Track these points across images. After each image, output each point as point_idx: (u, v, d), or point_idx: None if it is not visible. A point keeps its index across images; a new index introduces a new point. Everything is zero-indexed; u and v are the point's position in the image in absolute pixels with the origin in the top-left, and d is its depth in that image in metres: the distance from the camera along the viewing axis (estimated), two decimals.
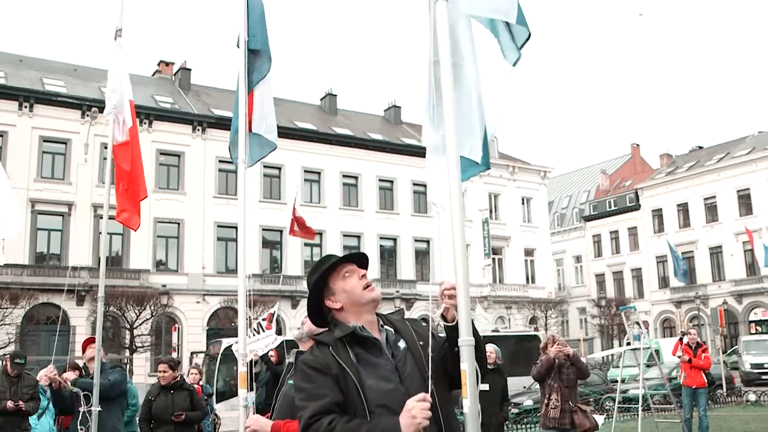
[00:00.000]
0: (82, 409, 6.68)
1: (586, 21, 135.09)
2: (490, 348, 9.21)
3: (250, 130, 5.75)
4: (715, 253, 52.31)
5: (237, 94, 5.79)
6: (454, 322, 2.71)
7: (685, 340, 14.45)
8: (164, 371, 8.07)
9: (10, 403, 8.28)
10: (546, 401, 8.74)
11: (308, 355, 2.79)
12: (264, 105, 5.92)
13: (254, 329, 11.84)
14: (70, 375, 10.18)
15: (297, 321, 36.92)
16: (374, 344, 2.78)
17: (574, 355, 8.89)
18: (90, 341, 7.52)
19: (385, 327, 2.88)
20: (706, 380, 13.74)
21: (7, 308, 30.17)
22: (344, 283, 2.87)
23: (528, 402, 19.81)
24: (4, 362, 8.94)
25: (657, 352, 23.80)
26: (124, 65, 7.65)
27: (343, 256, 2.94)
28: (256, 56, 5.89)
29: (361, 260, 2.99)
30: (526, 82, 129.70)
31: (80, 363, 8.43)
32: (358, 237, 42.39)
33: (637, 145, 68.65)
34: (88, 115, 34.37)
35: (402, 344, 2.81)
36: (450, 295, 2.71)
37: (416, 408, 2.46)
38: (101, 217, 32.91)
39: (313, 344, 2.87)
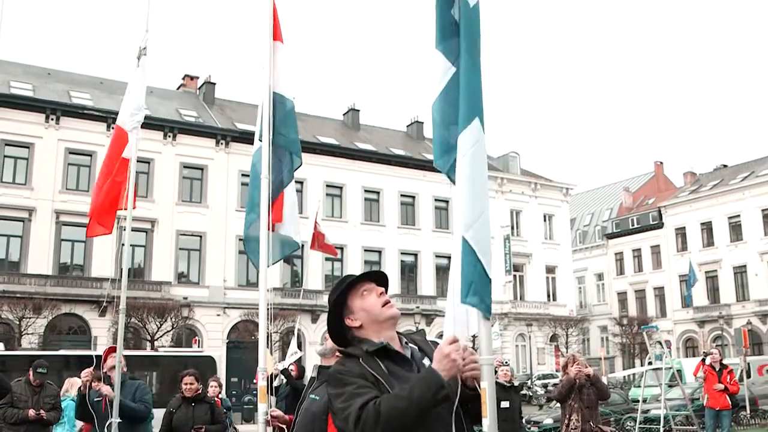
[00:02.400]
0: (114, 421, 6.70)
1: (611, 38, 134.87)
2: (506, 368, 9.24)
3: (272, 229, 5.52)
4: (740, 272, 51.72)
5: (252, 191, 5.70)
6: (475, 392, 2.63)
7: (708, 360, 14.30)
8: (191, 383, 8.07)
9: (32, 412, 8.35)
10: (566, 422, 8.67)
11: (340, 366, 2.79)
12: (293, 208, 5.77)
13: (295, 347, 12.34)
14: (77, 381, 10.30)
15: (317, 335, 36.93)
16: (403, 359, 2.80)
17: (595, 375, 8.83)
18: (111, 350, 7.58)
19: (409, 345, 2.90)
20: (729, 402, 13.57)
21: (30, 318, 30.47)
22: (363, 302, 2.88)
23: (548, 420, 19.66)
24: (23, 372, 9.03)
25: (679, 372, 23.52)
26: (145, 83, 7.75)
27: (361, 274, 2.96)
28: (284, 152, 5.72)
29: (380, 278, 3.00)
30: (549, 98, 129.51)
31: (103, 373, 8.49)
32: (379, 252, 42.38)
33: (661, 162, 68.20)
34: (113, 128, 34.72)
35: (427, 362, 2.81)
36: (473, 368, 2.62)
37: (453, 350, 2.53)
38: (124, 229, 33.13)
39: (342, 357, 2.88)
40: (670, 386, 20.78)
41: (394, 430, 2.50)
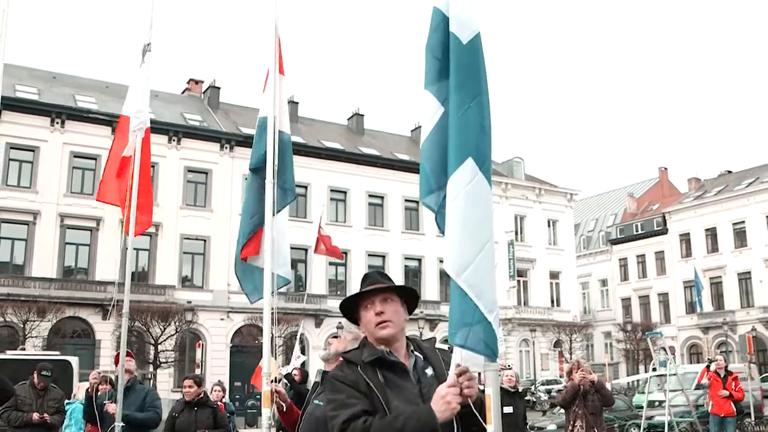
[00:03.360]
0: (117, 425, 6.70)
1: (616, 44, 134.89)
2: (510, 372, 9.21)
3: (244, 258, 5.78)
4: (744, 278, 51.61)
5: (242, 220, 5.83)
6: (468, 408, 2.64)
7: (713, 367, 14.26)
8: (189, 387, 8.08)
9: (35, 416, 8.35)
10: (571, 428, 8.66)
11: (338, 371, 2.89)
12: (281, 241, 5.75)
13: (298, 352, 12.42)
14: (84, 385, 10.33)
15: (321, 339, 36.91)
16: (401, 369, 2.85)
17: (599, 381, 8.81)
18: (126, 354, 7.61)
19: (415, 353, 2.96)
20: (734, 409, 13.52)
21: (34, 321, 30.51)
22: (365, 315, 2.99)
23: (552, 426, 19.61)
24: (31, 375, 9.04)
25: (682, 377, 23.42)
26: (149, 81, 7.77)
27: (364, 291, 3.02)
28: (278, 190, 5.78)
29: (384, 279, 3.10)
30: (554, 104, 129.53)
31: (111, 376, 8.51)
32: (383, 257, 42.37)
33: (665, 168, 68.14)
34: None
35: (429, 371, 2.88)
36: (469, 386, 2.62)
37: (449, 394, 2.56)
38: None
39: (342, 362, 2.95)
40: (674, 392, 20.68)
41: None
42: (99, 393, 7.44)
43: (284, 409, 4.94)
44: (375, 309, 2.94)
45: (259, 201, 5.72)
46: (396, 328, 2.92)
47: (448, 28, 2.93)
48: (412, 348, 2.98)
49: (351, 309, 3.06)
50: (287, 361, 17.64)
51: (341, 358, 2.99)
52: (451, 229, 2.70)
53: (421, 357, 2.94)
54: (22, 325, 30.31)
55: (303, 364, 13.89)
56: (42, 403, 8.64)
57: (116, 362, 7.43)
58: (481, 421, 2.65)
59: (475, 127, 2.81)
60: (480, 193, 2.73)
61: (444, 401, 2.56)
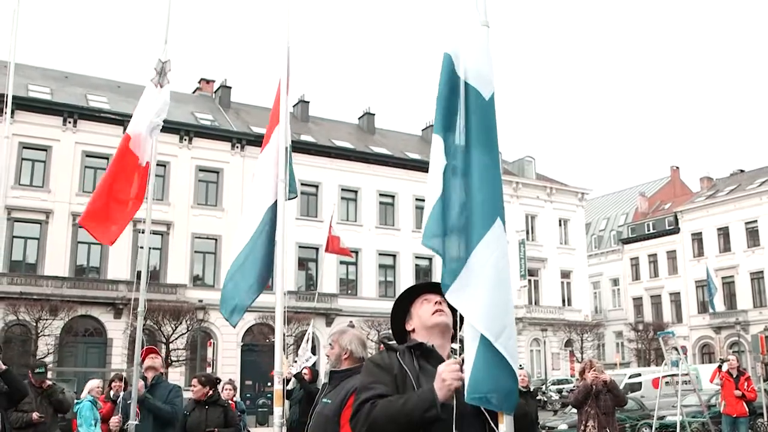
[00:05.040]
0: (131, 423, 6.71)
1: (628, 42, 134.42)
2: (522, 372, 9.19)
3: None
4: (757, 278, 51.34)
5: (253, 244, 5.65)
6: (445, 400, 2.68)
7: (725, 367, 14.18)
8: (194, 386, 8.10)
9: (35, 415, 8.34)
10: (583, 428, 8.62)
11: (377, 355, 3.08)
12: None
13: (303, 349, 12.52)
14: (93, 384, 10.33)
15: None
16: (438, 359, 2.94)
17: (612, 381, 8.75)
18: (149, 351, 7.61)
19: (454, 356, 3.03)
20: (747, 409, 13.45)
21: (47, 320, 30.67)
22: (419, 308, 3.13)
23: (563, 426, 19.58)
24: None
25: (696, 378, 23.34)
26: (167, 100, 7.64)
27: (425, 284, 3.20)
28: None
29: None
30: (565, 103, 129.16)
31: (124, 374, 8.52)
32: (394, 256, 42.38)
33: (677, 167, 67.85)
34: None
35: None
36: (457, 377, 2.68)
37: (446, 372, 2.67)
38: (141, 232, 33.39)
39: (384, 348, 3.10)
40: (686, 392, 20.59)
41: None
42: (121, 393, 7.41)
43: None
44: (435, 300, 3.08)
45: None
46: (449, 320, 3.04)
47: (458, 83, 2.92)
48: (453, 351, 3.10)
49: (403, 306, 3.20)
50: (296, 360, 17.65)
51: (384, 345, 3.13)
52: (484, 292, 2.67)
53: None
54: (34, 324, 30.49)
55: (314, 364, 13.92)
56: (41, 401, 8.63)
57: (143, 359, 7.44)
58: (492, 424, 2.69)
59: (499, 185, 2.82)
60: (505, 257, 2.75)
61: (441, 379, 2.66)
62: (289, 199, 5.67)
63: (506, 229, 2.78)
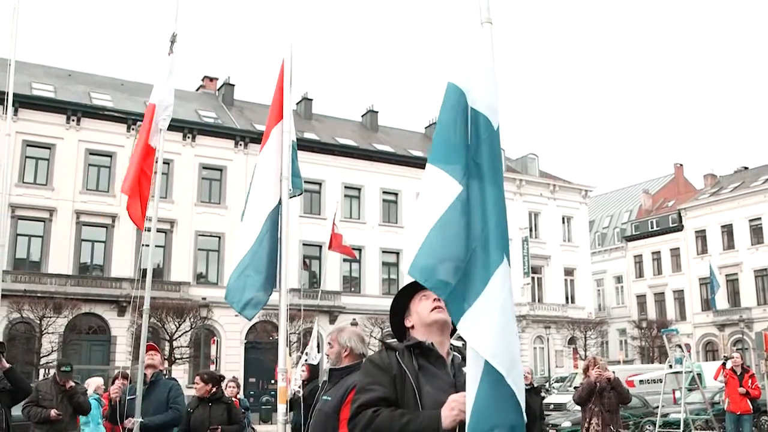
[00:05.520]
0: (136, 420, 6.71)
1: (631, 39, 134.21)
2: (526, 369, 9.20)
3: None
4: (761, 275, 51.24)
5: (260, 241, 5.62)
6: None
7: (729, 364, 14.17)
8: (196, 383, 8.11)
9: (53, 412, 8.38)
10: (586, 425, 8.59)
11: (375, 355, 3.06)
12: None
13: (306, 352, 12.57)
14: (97, 381, 10.39)
15: None
16: (438, 358, 2.95)
17: (615, 379, 8.71)
18: (148, 348, 7.63)
19: (454, 353, 3.05)
20: (751, 406, 13.45)
21: (50, 317, 30.74)
22: (418, 305, 3.11)
23: (566, 423, 19.57)
24: (47, 371, 9.12)
25: (699, 375, 23.34)
26: (174, 73, 7.81)
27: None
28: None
29: None
30: (568, 100, 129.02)
31: (127, 371, 8.53)
32: (398, 254, 42.37)
33: (681, 164, 67.69)
34: (133, 129, 34.94)
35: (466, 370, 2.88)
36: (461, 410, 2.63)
37: (456, 402, 2.63)
38: (145, 230, 33.35)
39: (383, 347, 3.09)
40: (690, 390, 20.61)
41: None
42: (118, 391, 7.43)
43: None
44: (433, 297, 3.04)
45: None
46: (447, 317, 2.97)
47: (466, 106, 2.81)
48: (452, 348, 3.07)
49: (402, 302, 3.18)
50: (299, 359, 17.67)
51: (383, 345, 3.11)
52: (499, 329, 2.56)
53: (460, 357, 3.02)
54: (38, 321, 30.55)
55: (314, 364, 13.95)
56: (63, 399, 8.67)
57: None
58: None
59: (506, 220, 2.71)
60: (511, 295, 2.66)
61: (449, 407, 2.64)
62: (295, 195, 5.69)
63: (509, 263, 2.66)
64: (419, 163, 43.67)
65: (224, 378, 11.15)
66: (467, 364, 2.64)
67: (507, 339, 2.57)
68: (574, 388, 9.48)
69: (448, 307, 2.68)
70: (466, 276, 2.64)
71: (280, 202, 5.55)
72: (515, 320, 2.68)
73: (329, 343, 4.69)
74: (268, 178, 5.66)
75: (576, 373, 35.37)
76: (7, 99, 11.26)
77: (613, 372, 8.98)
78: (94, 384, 11.10)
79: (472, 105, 2.80)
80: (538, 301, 47.75)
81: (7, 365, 7.21)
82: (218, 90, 44.76)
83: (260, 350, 35.89)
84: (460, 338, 2.96)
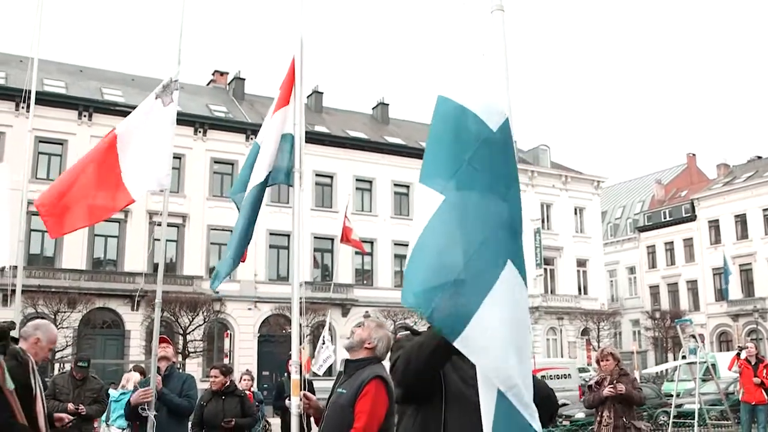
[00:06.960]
0: (151, 414, 6.73)
1: (642, 28, 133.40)
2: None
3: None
4: None
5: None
6: None
7: (743, 354, 14.11)
8: (215, 376, 8.14)
9: (71, 406, 8.42)
10: (599, 418, 8.48)
11: (404, 339, 3.20)
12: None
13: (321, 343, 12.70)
14: (135, 376, 10.41)
15: (347, 329, 36.99)
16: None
17: (628, 390, 8.35)
18: (161, 341, 7.65)
19: None
20: (766, 396, 13.39)
21: (65, 312, 30.94)
22: None
23: (580, 415, 19.53)
24: (62, 365, 9.17)
25: (713, 366, 23.27)
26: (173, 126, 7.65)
27: None
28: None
29: None
30: (580, 90, 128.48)
31: (142, 366, 8.56)
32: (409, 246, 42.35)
33: (694, 154, 67.32)
34: None
35: None
36: None
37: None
38: (157, 224, 33.60)
39: (408, 334, 3.23)
40: (704, 380, 20.54)
41: (419, 361, 2.84)
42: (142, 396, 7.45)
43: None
44: None
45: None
46: None
47: (461, 118, 2.57)
48: None
49: None
50: (313, 350, 17.72)
51: (411, 332, 3.20)
52: (497, 348, 2.33)
53: None
54: (53, 316, 30.71)
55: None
56: (79, 393, 8.71)
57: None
58: None
59: (519, 222, 2.50)
60: (525, 302, 2.46)
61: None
62: (271, 185, 5.84)
63: (524, 276, 2.45)
64: None
65: (232, 371, 11.24)
66: (479, 383, 2.44)
67: (509, 350, 2.33)
68: (588, 385, 9.21)
69: (443, 331, 2.40)
70: (456, 294, 2.34)
71: (265, 183, 5.69)
72: (526, 328, 2.43)
73: (360, 325, 4.58)
74: (262, 159, 5.79)
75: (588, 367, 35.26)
76: (27, 96, 11.20)
77: (628, 373, 8.70)
78: (133, 379, 11.18)
79: (468, 107, 2.57)
80: (551, 292, 47.66)
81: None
82: (229, 84, 44.83)
83: (273, 343, 36.01)
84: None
